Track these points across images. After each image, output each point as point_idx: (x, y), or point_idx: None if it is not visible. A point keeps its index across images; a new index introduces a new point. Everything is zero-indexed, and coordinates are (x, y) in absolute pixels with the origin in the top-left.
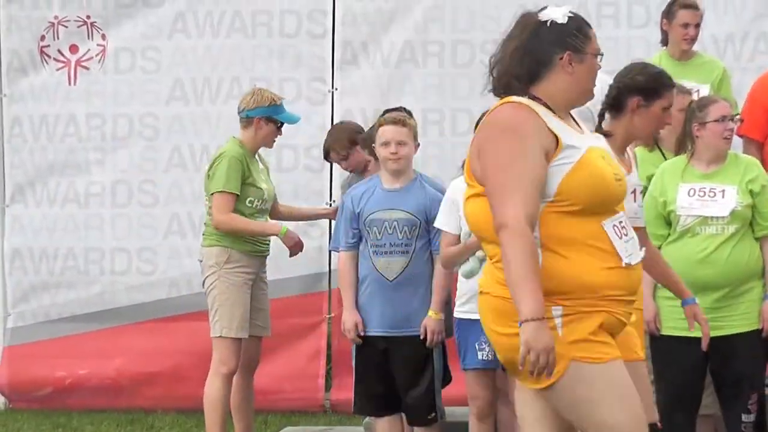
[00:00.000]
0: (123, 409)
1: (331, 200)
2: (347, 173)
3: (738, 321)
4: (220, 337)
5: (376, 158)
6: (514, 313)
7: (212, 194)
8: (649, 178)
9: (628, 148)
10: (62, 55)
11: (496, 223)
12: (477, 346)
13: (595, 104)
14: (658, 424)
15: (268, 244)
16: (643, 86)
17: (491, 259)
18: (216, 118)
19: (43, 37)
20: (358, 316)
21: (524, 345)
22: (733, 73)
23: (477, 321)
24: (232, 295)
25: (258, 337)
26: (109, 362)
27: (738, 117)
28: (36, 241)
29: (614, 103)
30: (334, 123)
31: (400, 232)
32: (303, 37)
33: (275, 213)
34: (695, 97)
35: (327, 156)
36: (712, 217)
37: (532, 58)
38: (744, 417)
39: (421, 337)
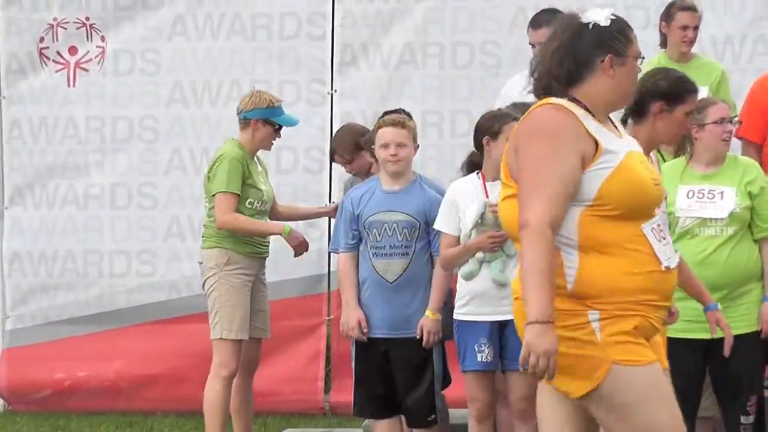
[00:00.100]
0: (122, 412)
1: (330, 202)
2: (348, 174)
3: (737, 323)
4: (220, 339)
5: (377, 160)
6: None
7: (214, 195)
8: None
9: (651, 153)
10: (61, 57)
11: (520, 222)
12: (476, 348)
13: None
14: None
15: (268, 246)
16: (665, 91)
17: None
18: (216, 120)
19: (42, 39)
20: (361, 313)
21: (526, 346)
22: (732, 75)
23: (476, 323)
24: (232, 297)
25: (258, 339)
26: (109, 364)
27: (736, 119)
28: (35, 244)
29: (637, 108)
30: (340, 125)
31: (400, 234)
32: (302, 39)
33: (275, 214)
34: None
35: (332, 158)
36: (711, 219)
37: (573, 59)
38: (743, 419)
39: (418, 337)
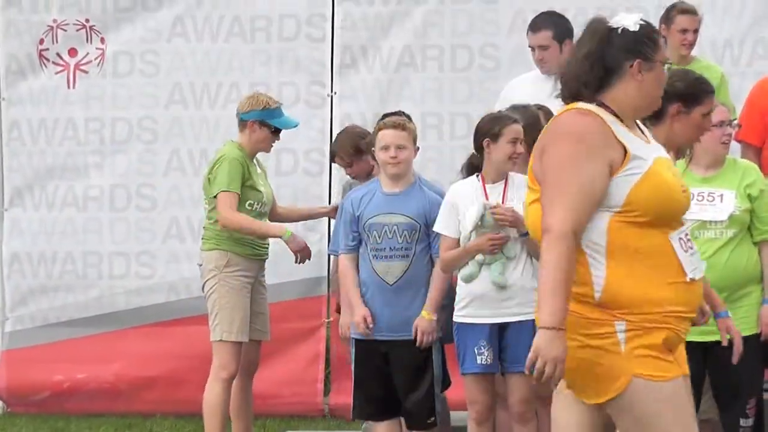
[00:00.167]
0: (121, 414)
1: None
2: (346, 177)
3: (736, 325)
4: (220, 341)
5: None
6: (578, 325)
7: (215, 196)
8: None
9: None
10: (61, 58)
11: (543, 226)
12: (476, 351)
13: None
14: None
15: (267, 248)
16: (682, 92)
17: None
18: (215, 122)
19: (41, 41)
20: (366, 309)
21: (534, 351)
22: (731, 78)
23: (476, 325)
24: (231, 299)
25: (257, 342)
26: (108, 366)
27: (736, 122)
28: (34, 245)
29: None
30: (340, 127)
31: (400, 236)
32: (302, 41)
33: (274, 215)
34: None
35: (333, 160)
36: (710, 222)
37: (602, 64)
38: (742, 422)
39: (413, 337)
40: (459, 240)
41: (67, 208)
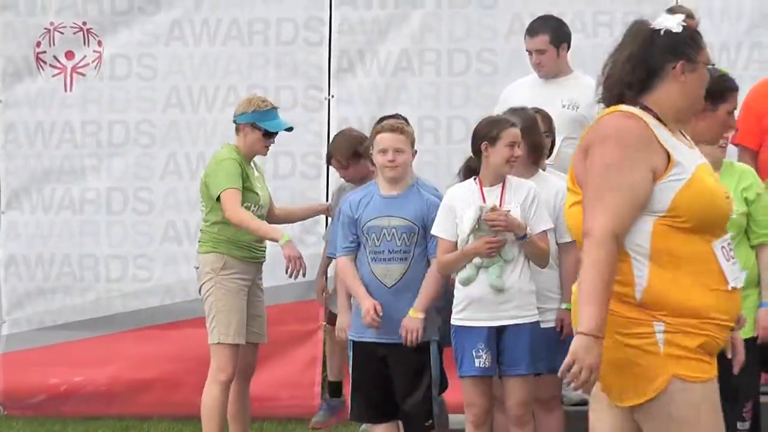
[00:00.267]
0: (118, 417)
1: None
2: (341, 180)
3: None
4: (217, 343)
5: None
6: (617, 324)
7: (218, 198)
8: None
9: None
10: (58, 61)
11: (584, 229)
12: (474, 354)
13: (589, 108)
14: None
15: (264, 251)
16: (708, 90)
17: None
18: (212, 125)
19: (38, 44)
20: (373, 300)
21: (572, 354)
22: None
23: (474, 328)
24: (228, 302)
25: (254, 344)
26: (104, 369)
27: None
28: (31, 248)
29: None
30: (337, 131)
31: (399, 239)
32: (299, 45)
33: (272, 217)
34: None
35: (329, 163)
36: None
37: (644, 66)
38: (739, 425)
39: (401, 334)
40: (456, 243)
41: (63, 211)
